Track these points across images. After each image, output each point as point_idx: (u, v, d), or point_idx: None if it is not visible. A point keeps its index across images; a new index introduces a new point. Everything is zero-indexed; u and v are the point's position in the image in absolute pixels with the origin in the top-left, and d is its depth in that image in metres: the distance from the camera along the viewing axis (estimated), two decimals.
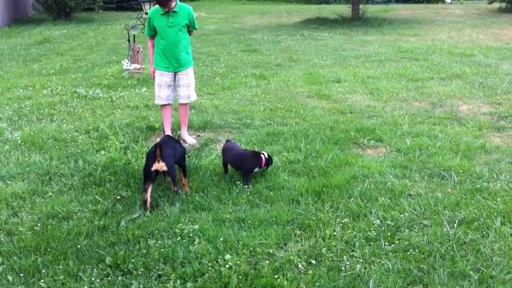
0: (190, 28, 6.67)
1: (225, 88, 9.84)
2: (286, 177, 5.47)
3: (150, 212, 4.77)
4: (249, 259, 4.00)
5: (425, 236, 4.26)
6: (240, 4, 33.27)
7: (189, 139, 6.77)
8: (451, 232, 4.31)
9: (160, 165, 4.86)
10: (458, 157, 5.94)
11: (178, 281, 3.72)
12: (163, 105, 6.80)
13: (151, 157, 4.91)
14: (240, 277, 3.75)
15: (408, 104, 8.48)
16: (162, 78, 6.67)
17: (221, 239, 4.23)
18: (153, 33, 6.59)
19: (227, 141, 6.02)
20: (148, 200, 4.82)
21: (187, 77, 6.76)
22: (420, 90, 9.31)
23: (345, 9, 22.32)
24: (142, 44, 11.04)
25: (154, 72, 6.75)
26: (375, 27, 19.31)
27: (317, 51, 14.34)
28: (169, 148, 5.10)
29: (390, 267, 3.85)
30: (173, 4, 6.36)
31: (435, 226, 4.42)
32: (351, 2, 22.12)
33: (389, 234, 4.28)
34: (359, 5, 21.75)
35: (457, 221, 4.50)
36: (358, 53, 13.91)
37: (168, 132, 6.78)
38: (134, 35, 10.43)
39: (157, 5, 6.41)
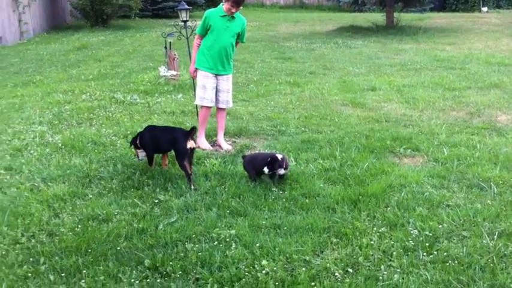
0: (238, 39, 6.77)
1: (259, 95, 9.89)
2: (321, 185, 5.47)
3: (195, 189, 5.31)
4: (285, 265, 4.01)
5: (465, 247, 4.20)
6: (273, 12, 33.35)
7: (225, 145, 6.83)
8: (491, 244, 4.24)
9: (191, 143, 5.59)
10: (498, 168, 5.84)
11: (216, 285, 3.76)
12: (205, 107, 6.87)
13: (185, 137, 5.59)
14: (277, 283, 3.76)
15: (445, 113, 8.39)
16: (208, 80, 6.74)
17: (257, 244, 4.26)
18: (204, 33, 6.68)
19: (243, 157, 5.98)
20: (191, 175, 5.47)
21: (228, 83, 6.87)
22: (457, 100, 9.19)
23: (379, 18, 22.15)
24: (178, 51, 11.22)
25: (195, 71, 6.83)
26: (410, 35, 19.11)
27: (351, 59, 14.29)
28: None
29: (429, 278, 3.81)
30: (235, 10, 6.50)
31: (474, 238, 4.35)
32: (385, 10, 21.96)
33: (427, 244, 4.24)
34: (393, 13, 21.58)
35: (497, 232, 4.42)
36: (393, 61, 13.81)
37: (203, 135, 6.86)
38: (170, 42, 10.58)
39: (223, 6, 6.54)
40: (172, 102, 9.20)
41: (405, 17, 22.32)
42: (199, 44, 6.78)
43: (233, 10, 6.51)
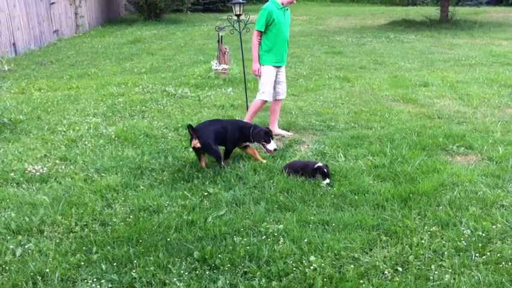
0: None
1: (308, 90, 9.85)
2: (371, 182, 5.41)
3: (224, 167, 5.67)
4: (333, 262, 3.99)
5: None
6: (323, 6, 33.09)
7: (285, 132, 7.05)
8: None
9: (194, 142, 5.70)
10: None
11: (264, 279, 3.78)
12: (264, 101, 6.95)
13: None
14: (325, 279, 3.75)
15: (501, 110, 8.13)
16: (273, 74, 6.85)
17: (305, 240, 4.26)
18: (264, 29, 6.71)
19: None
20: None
21: (284, 74, 7.02)
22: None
23: (433, 11, 21.62)
24: (229, 45, 11.28)
25: (259, 69, 6.86)
26: (465, 30, 18.59)
27: (403, 54, 14.03)
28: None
29: (481, 279, 3.72)
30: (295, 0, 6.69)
31: None
32: (439, 3, 21.41)
33: (480, 245, 4.14)
34: (448, 6, 21.03)
35: None
36: (446, 56, 13.48)
37: (275, 124, 7.09)
38: (222, 36, 10.66)
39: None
40: (222, 96, 9.28)
41: (460, 11, 21.71)
42: (260, 41, 6.80)
43: (294, 1, 6.67)
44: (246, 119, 6.94)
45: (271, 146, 6.04)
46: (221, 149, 6.02)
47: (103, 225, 4.66)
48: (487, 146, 6.40)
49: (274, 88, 6.96)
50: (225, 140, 6.02)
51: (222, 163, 5.84)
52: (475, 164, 5.89)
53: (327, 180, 5.39)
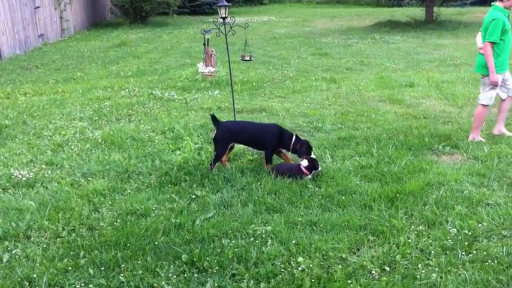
0: None
1: (295, 91, 9.88)
2: (358, 182, 5.44)
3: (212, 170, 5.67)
4: (321, 263, 4.01)
5: (505, 247, 4.12)
6: (310, 8, 33.18)
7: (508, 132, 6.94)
8: None
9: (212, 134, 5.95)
10: None
11: (252, 281, 3.79)
12: (486, 106, 6.79)
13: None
14: (313, 280, 3.77)
15: None
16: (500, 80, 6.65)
17: (293, 241, 4.27)
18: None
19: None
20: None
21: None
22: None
23: (418, 12, 21.78)
24: (215, 48, 11.27)
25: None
26: (450, 30, 18.75)
27: (389, 54, 14.11)
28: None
29: (467, 277, 3.75)
30: None
31: None
32: (424, 4, 21.57)
33: (466, 243, 4.18)
34: (433, 7, 21.19)
35: None
36: (432, 56, 13.58)
37: (502, 124, 6.97)
38: (208, 38, 10.65)
39: (499, 4, 6.56)
40: (209, 99, 9.28)
41: (445, 12, 21.88)
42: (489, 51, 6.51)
43: None
44: (473, 132, 6.77)
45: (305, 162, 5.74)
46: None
47: (90, 230, 4.64)
48: (472, 145, 6.46)
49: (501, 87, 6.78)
50: (260, 144, 5.99)
51: (213, 168, 5.81)
52: (460, 163, 5.94)
53: (317, 170, 5.47)
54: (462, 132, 6.99)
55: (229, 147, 5.96)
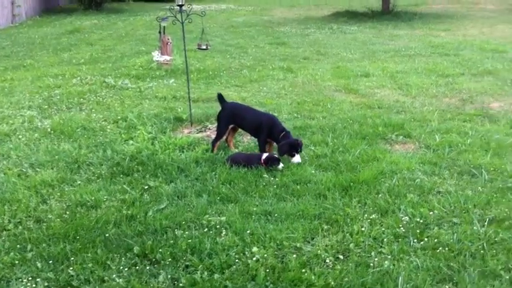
0: None
1: (252, 80, 9.83)
2: (313, 171, 5.43)
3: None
4: (276, 252, 3.98)
5: (455, 234, 4.18)
6: None
7: None
8: (481, 231, 4.22)
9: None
10: (489, 155, 5.81)
11: (206, 272, 3.73)
12: None
13: None
14: (268, 270, 3.74)
15: (438, 100, 8.35)
16: None
17: (248, 231, 4.23)
18: None
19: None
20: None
21: None
22: (450, 86, 9.15)
23: (375, 3, 22.02)
24: (172, 36, 11.09)
25: None
26: (405, 21, 19.03)
27: (345, 44, 14.22)
28: None
29: (419, 264, 3.80)
30: None
31: (465, 224, 4.33)
32: None
33: (418, 231, 4.22)
34: None
35: (487, 219, 4.40)
36: (387, 47, 13.74)
37: None
38: (164, 26, 10.45)
39: None
40: (164, 88, 9.13)
41: (401, 3, 22.21)
42: None
43: None
44: None
45: (296, 159, 5.67)
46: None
47: (38, 222, 4.49)
48: (425, 134, 6.55)
49: None
50: (253, 131, 6.07)
51: (215, 148, 5.94)
52: (413, 152, 6.02)
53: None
54: (415, 121, 7.09)
55: (230, 127, 6.01)
